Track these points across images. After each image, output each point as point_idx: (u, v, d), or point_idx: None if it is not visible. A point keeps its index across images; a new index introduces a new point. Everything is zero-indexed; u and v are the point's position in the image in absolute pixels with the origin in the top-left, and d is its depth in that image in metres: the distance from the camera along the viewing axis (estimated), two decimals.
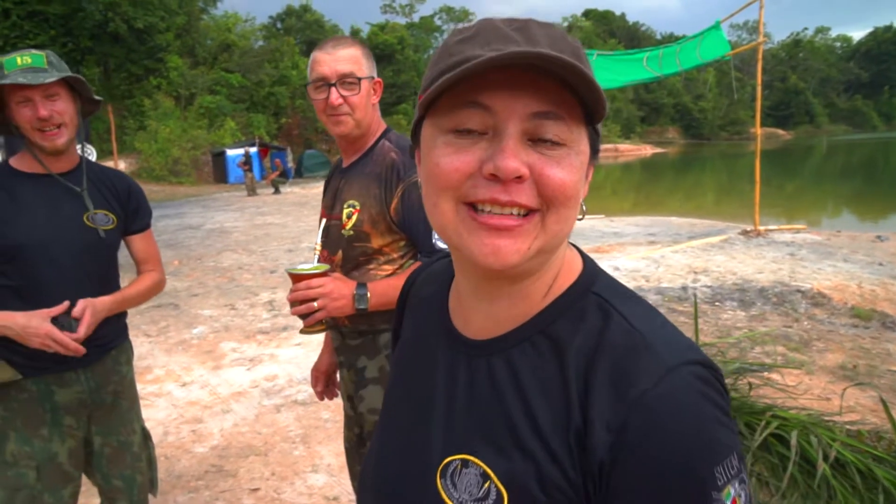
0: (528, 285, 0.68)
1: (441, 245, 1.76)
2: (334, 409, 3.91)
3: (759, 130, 10.29)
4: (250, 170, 22.89)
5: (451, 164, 0.62)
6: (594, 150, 0.67)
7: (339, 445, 3.14)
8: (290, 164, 28.95)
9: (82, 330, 1.80)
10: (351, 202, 1.84)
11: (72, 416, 1.93)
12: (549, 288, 0.69)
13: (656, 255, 8.71)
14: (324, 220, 1.92)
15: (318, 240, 1.91)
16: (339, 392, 2.18)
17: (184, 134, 30.75)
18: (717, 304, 6.16)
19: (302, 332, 1.77)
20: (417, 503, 0.70)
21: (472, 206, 0.62)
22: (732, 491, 0.58)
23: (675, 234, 10.86)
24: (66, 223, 1.88)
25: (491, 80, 0.59)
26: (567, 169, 0.62)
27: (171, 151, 29.39)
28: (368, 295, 1.74)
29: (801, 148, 53.42)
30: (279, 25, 50.87)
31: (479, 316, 0.72)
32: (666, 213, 14.71)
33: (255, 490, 3.08)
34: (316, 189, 21.31)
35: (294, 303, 1.71)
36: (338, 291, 1.71)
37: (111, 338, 2.01)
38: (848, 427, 3.11)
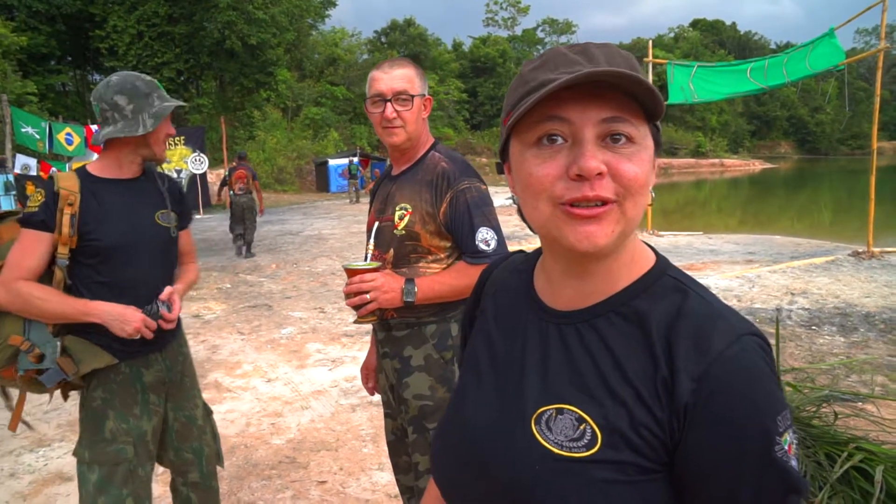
0: (610, 264, 0.79)
1: (483, 247, 1.92)
2: None
3: (874, 143, 9.61)
4: (355, 179, 24.00)
5: (542, 172, 0.74)
6: (657, 143, 0.78)
7: None
8: None
9: (176, 310, 2.06)
10: (403, 205, 1.99)
11: (155, 395, 2.14)
12: (628, 269, 0.80)
13: (752, 274, 8.32)
14: (376, 224, 2.08)
15: (371, 240, 2.06)
16: None
17: (289, 144, 32.31)
18: (813, 327, 5.80)
19: (355, 321, 1.95)
20: (513, 448, 0.78)
21: (567, 204, 0.73)
22: (789, 437, 0.70)
23: (777, 253, 10.31)
24: (144, 224, 2.09)
25: (564, 98, 0.71)
26: (637, 163, 0.73)
27: (277, 160, 30.92)
28: (416, 289, 1.90)
29: None
30: (384, 39, 52.52)
31: (567, 291, 0.83)
32: (771, 232, 13.94)
33: (323, 482, 3.22)
34: None
35: (349, 295, 1.89)
36: (388, 285, 1.89)
37: (177, 322, 2.20)
38: None
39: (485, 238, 1.93)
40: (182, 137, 19.51)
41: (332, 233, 14.69)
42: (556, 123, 0.72)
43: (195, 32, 32.12)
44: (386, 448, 3.54)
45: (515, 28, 65.93)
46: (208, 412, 2.37)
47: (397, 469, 2.29)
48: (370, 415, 4.09)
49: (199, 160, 19.33)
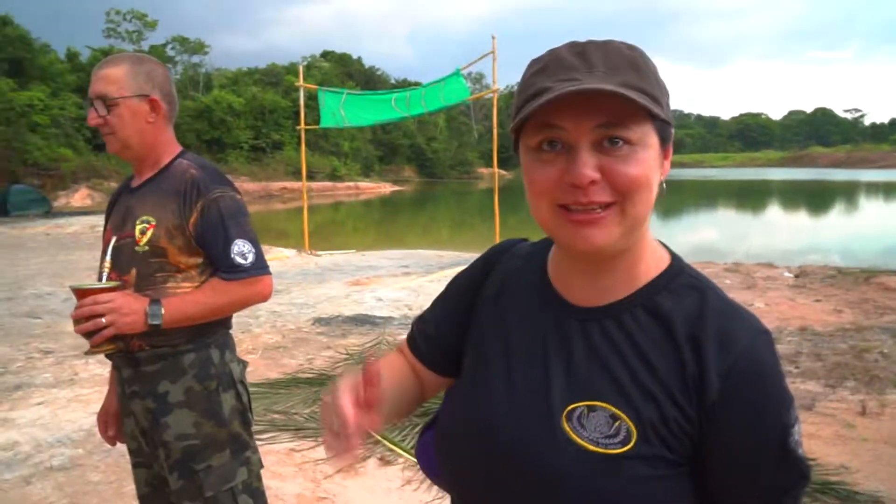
0: (626, 260, 0.81)
1: (240, 261, 1.78)
2: (104, 468, 3.48)
3: (496, 169, 11.68)
4: None
5: (541, 177, 0.77)
6: (664, 138, 0.78)
7: None
8: None
9: None
10: (145, 218, 1.79)
11: None
12: (646, 266, 0.83)
13: (413, 284, 9.22)
14: (113, 240, 1.83)
15: (108, 258, 1.80)
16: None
17: None
18: None
19: (87, 353, 1.71)
20: (546, 444, 0.78)
21: (565, 206, 0.76)
22: (798, 428, 0.77)
23: (427, 264, 11.57)
24: None
25: (560, 106, 0.72)
26: (634, 164, 0.74)
27: None
28: (163, 311, 1.70)
29: (519, 186, 60.16)
30: None
31: (584, 286, 0.84)
32: (408, 247, 15.25)
33: None
34: (31, 230, 18.49)
35: (79, 320, 1.66)
36: (128, 307, 1.68)
37: None
38: None
39: (241, 251, 1.80)
40: None
41: None
42: (552, 131, 0.75)
43: None
44: None
45: (142, 43, 60.79)
46: None
47: None
48: (56, 483, 3.42)
49: None
